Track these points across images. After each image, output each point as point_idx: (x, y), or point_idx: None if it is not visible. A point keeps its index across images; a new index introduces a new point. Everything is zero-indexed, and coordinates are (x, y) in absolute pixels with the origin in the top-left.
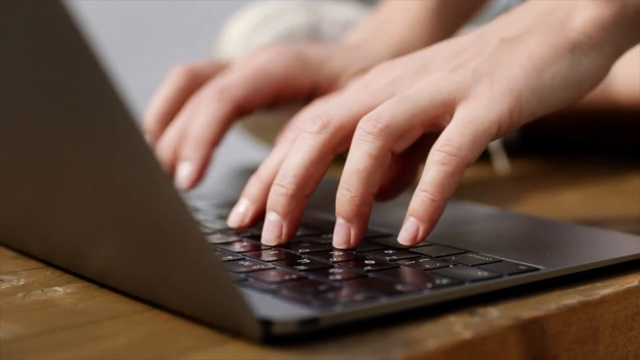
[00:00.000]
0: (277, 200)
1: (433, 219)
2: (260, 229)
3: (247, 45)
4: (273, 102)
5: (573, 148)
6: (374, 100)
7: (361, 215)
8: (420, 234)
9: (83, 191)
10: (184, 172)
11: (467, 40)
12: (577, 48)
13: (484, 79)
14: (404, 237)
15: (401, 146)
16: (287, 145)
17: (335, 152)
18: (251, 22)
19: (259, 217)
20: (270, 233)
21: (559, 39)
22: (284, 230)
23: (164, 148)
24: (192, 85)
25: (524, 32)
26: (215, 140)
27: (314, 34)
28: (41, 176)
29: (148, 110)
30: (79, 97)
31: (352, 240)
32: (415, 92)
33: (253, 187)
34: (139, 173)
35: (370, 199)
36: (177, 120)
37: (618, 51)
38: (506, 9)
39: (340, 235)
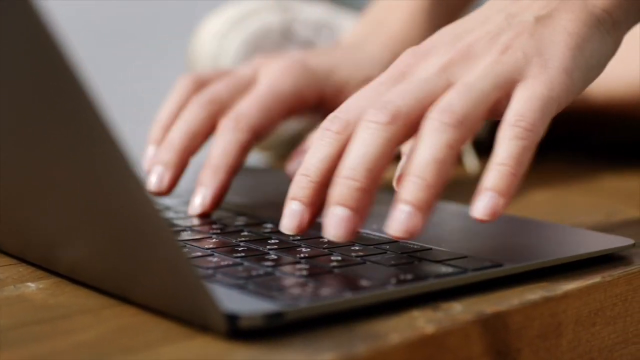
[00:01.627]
0: (350, 194)
1: (512, 193)
2: (227, 227)
3: (222, 45)
4: (285, 119)
5: (543, 146)
6: (435, 88)
7: (431, 207)
8: (500, 208)
9: (55, 189)
10: (200, 196)
11: (498, 19)
12: (601, 25)
13: (535, 59)
14: (482, 212)
15: (470, 136)
16: (331, 137)
17: (400, 144)
18: (226, 22)
19: (314, 220)
20: (341, 229)
21: (587, 15)
22: (356, 227)
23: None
24: (209, 100)
25: (552, 9)
26: (233, 168)
27: (287, 33)
28: (15, 173)
29: (156, 120)
30: (52, 96)
31: (416, 231)
32: (477, 79)
33: (305, 188)
34: (109, 172)
35: (442, 190)
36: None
37: (627, 29)
38: None
39: (404, 223)
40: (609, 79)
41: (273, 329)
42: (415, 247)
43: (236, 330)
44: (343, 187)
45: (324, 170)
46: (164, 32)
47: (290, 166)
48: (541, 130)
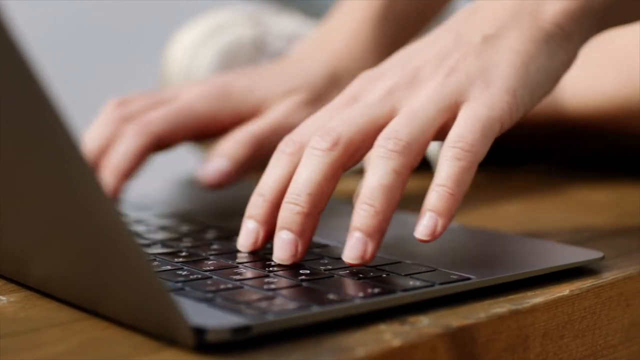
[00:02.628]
0: (292, 218)
1: (451, 213)
2: (197, 240)
3: (194, 58)
4: (197, 136)
5: (515, 158)
6: (377, 114)
7: (382, 232)
8: (439, 228)
9: (23, 202)
10: None
11: (448, 40)
12: (551, 39)
13: (478, 80)
14: (422, 232)
15: (419, 161)
16: (285, 159)
17: (344, 168)
18: (198, 35)
19: (269, 238)
20: (285, 252)
21: (535, 31)
22: (300, 249)
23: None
24: (124, 116)
25: (501, 27)
26: (129, 172)
27: (259, 46)
28: None
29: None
30: (17, 109)
31: (367, 256)
32: (421, 104)
33: (260, 208)
34: (77, 186)
35: (391, 215)
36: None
37: (583, 41)
38: None
39: (357, 250)
40: (582, 91)
41: (241, 343)
42: (384, 260)
43: (204, 343)
44: (287, 212)
45: (278, 190)
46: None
47: (201, 170)
48: (481, 150)
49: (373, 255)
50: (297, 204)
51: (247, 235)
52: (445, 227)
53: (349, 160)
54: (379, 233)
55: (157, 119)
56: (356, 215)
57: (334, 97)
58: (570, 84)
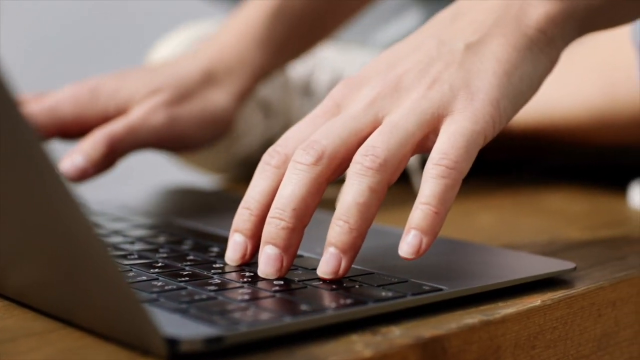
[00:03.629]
0: (277, 233)
1: (435, 232)
2: (174, 251)
3: None
4: (63, 135)
5: (490, 169)
6: (360, 125)
7: (356, 248)
8: (423, 246)
9: (1, 213)
10: None
11: (430, 47)
12: (534, 45)
13: (462, 92)
14: (406, 250)
15: (396, 176)
16: (270, 172)
17: (329, 182)
18: (178, 46)
19: (257, 251)
20: (270, 267)
21: (518, 38)
22: (285, 264)
23: None
24: None
25: (484, 34)
26: None
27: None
28: None
29: None
30: None
31: (341, 271)
32: (401, 117)
33: (247, 221)
34: (51, 199)
35: (366, 232)
36: None
37: (565, 45)
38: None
39: (331, 265)
40: (561, 103)
41: (213, 353)
42: (358, 271)
43: (177, 354)
44: (272, 227)
45: (264, 203)
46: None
47: (61, 165)
48: (465, 166)
49: (346, 271)
50: (282, 219)
51: (235, 248)
52: (429, 245)
53: (333, 174)
54: (353, 249)
55: None
56: (331, 230)
57: (203, 95)
58: (548, 96)
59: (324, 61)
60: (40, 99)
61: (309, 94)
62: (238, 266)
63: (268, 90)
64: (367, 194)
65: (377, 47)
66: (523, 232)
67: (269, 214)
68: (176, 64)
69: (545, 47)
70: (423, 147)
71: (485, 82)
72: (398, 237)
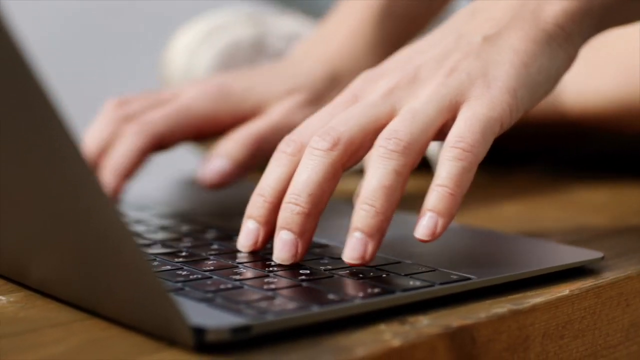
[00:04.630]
0: (293, 219)
1: (451, 214)
2: (197, 240)
3: (193, 59)
4: (197, 136)
5: (514, 159)
6: (378, 113)
7: (382, 232)
8: (439, 228)
9: (24, 202)
10: None
11: (448, 40)
12: (553, 40)
13: (479, 80)
14: (422, 232)
15: (418, 160)
16: (285, 159)
17: (344, 168)
18: (197, 36)
19: (269, 238)
20: (286, 252)
21: (537, 32)
22: (300, 249)
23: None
24: (124, 117)
25: (502, 27)
26: (129, 172)
27: (259, 47)
28: None
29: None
30: (20, 111)
31: (367, 256)
32: (422, 104)
33: (261, 208)
34: (77, 186)
35: (392, 215)
36: None
37: (583, 41)
38: None
39: (357, 250)
40: (583, 92)
41: (240, 343)
42: (384, 260)
43: (203, 344)
44: (287, 212)
45: (278, 190)
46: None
47: (200, 170)
48: (481, 150)
49: (373, 256)
50: (297, 204)
51: (248, 235)
52: (445, 227)
53: (349, 160)
54: (379, 233)
55: (157, 118)
56: (356, 215)
57: (334, 97)
58: (571, 85)
59: None
60: (168, 101)
61: None
62: (263, 256)
63: None
64: (392, 176)
65: None
66: (548, 222)
67: (285, 200)
68: (300, 64)
69: (563, 42)
70: (442, 133)
71: (503, 71)
72: None
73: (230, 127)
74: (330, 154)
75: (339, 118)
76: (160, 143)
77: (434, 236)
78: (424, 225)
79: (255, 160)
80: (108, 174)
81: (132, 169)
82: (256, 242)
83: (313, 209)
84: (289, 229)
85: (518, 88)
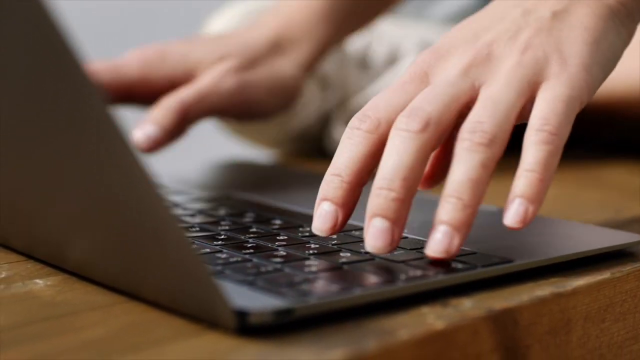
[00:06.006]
0: (388, 205)
1: (541, 199)
2: (236, 223)
3: None
4: (127, 97)
5: None
6: (458, 92)
7: (469, 225)
8: (530, 214)
9: (64, 185)
10: None
11: (515, 15)
12: (616, 16)
13: (554, 57)
14: (513, 219)
15: (503, 150)
16: (362, 137)
17: (433, 149)
18: (231, 20)
19: (347, 221)
20: (382, 240)
21: (602, 8)
22: (396, 236)
23: None
24: None
25: (568, 3)
26: None
27: None
28: (23, 170)
29: None
30: (58, 93)
31: (453, 250)
32: (501, 89)
33: (338, 189)
34: (117, 168)
35: (477, 209)
36: None
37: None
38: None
39: (443, 244)
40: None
41: (282, 326)
42: (424, 243)
43: (245, 326)
44: (380, 199)
45: (357, 170)
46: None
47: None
48: (566, 132)
49: (458, 250)
50: (391, 189)
51: (325, 218)
52: (535, 214)
53: (438, 142)
54: (466, 227)
55: None
56: (442, 208)
57: (271, 63)
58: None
59: (381, 35)
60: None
61: (365, 68)
62: (302, 238)
63: (324, 64)
64: (479, 170)
65: (434, 21)
66: (587, 206)
67: (376, 184)
68: (242, 33)
69: (625, 18)
70: (522, 116)
71: (577, 48)
72: None
73: (164, 91)
74: (422, 136)
75: (422, 97)
76: None
77: (525, 223)
78: (515, 212)
79: (182, 127)
80: None
81: None
82: (334, 225)
83: (407, 194)
84: (383, 216)
85: (593, 65)
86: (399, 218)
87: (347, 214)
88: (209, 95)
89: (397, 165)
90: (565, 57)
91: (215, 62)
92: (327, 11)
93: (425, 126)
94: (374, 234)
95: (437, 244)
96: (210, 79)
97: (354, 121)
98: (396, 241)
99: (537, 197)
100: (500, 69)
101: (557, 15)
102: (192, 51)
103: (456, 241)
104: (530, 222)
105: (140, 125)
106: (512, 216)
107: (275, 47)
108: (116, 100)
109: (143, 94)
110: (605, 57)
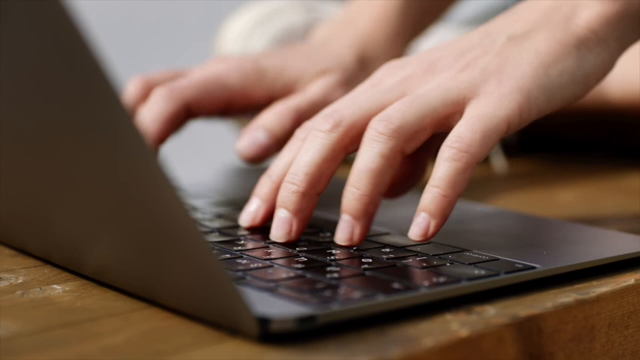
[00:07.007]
0: (288, 197)
1: (444, 215)
2: (263, 228)
3: (245, 45)
4: (226, 108)
5: (571, 147)
6: (384, 99)
7: (368, 214)
8: (432, 229)
9: (82, 189)
10: None
11: (474, 38)
12: (582, 44)
13: (492, 77)
14: (415, 232)
15: (412, 147)
16: (297, 144)
17: (346, 151)
18: (249, 21)
19: (270, 216)
20: (280, 230)
21: (565, 35)
22: (294, 228)
23: None
24: (148, 95)
25: (530, 29)
26: (161, 137)
27: (311, 33)
28: (40, 174)
29: None
30: (78, 96)
31: (355, 238)
32: (425, 92)
33: (264, 187)
34: (137, 172)
35: (378, 198)
36: None
37: (622, 47)
38: (504, 8)
39: (345, 232)
40: (628, 81)
41: (305, 333)
42: (447, 249)
43: (268, 334)
44: (284, 191)
45: (284, 172)
46: (187, 33)
47: (239, 143)
48: (479, 151)
49: (362, 238)
50: (294, 183)
51: (248, 211)
52: (438, 228)
53: (351, 144)
54: (365, 216)
55: (185, 84)
56: (344, 198)
57: (361, 80)
58: (619, 74)
59: None
60: (197, 71)
61: None
62: (323, 244)
63: None
64: (377, 159)
65: (456, 24)
66: (606, 210)
67: (284, 179)
68: (328, 46)
69: (595, 46)
70: (448, 126)
71: (518, 70)
72: (483, 214)
73: (261, 104)
74: (330, 135)
75: (344, 101)
76: (189, 110)
77: (426, 237)
78: (417, 225)
79: (290, 135)
80: None
81: (163, 135)
82: (255, 218)
83: (309, 188)
84: (284, 207)
85: (533, 88)
86: (299, 210)
87: (270, 209)
88: (320, 105)
89: (302, 161)
90: (503, 78)
91: (317, 76)
92: (399, 29)
93: (335, 127)
94: (276, 224)
95: (340, 232)
96: (320, 90)
97: (296, 132)
98: (295, 232)
99: (440, 213)
100: (433, 80)
101: (513, 39)
102: (289, 66)
103: (357, 229)
104: (432, 236)
105: (249, 131)
106: (414, 230)
107: (362, 65)
108: (216, 111)
109: (243, 104)
110: (554, 83)
